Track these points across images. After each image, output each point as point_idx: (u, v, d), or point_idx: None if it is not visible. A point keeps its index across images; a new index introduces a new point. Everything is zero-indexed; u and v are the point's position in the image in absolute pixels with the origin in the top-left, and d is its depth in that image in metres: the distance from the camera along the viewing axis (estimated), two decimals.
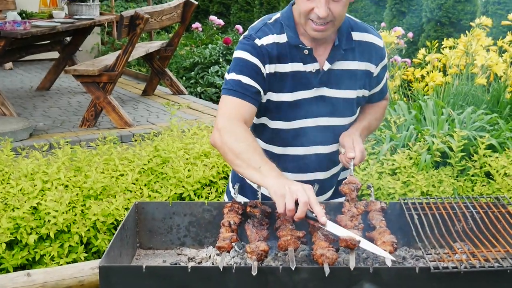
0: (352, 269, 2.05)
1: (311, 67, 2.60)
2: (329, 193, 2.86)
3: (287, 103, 2.61)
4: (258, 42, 2.58)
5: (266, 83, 2.58)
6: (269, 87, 2.59)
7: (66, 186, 4.20)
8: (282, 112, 2.63)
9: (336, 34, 2.61)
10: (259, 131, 2.72)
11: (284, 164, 2.64)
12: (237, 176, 2.88)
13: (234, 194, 2.62)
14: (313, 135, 2.67)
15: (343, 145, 2.66)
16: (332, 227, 2.26)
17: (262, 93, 2.58)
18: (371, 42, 2.70)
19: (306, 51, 2.58)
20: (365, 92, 2.74)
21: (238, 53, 2.60)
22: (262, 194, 2.60)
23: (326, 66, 2.60)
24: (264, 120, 2.68)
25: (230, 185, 2.97)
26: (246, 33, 2.65)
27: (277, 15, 2.66)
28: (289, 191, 2.19)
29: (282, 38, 2.60)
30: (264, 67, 2.57)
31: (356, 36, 2.66)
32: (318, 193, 2.69)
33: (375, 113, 2.88)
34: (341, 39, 2.61)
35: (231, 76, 2.58)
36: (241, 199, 2.81)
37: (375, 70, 2.72)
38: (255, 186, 2.71)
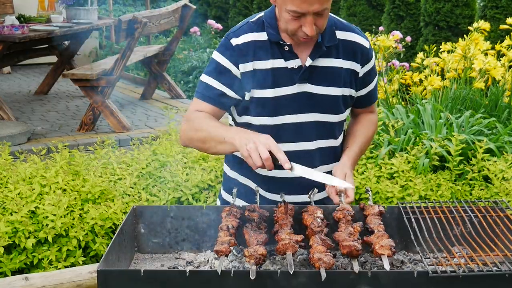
0: (357, 272, 2.06)
1: (292, 64, 2.63)
2: (322, 192, 2.81)
3: (270, 99, 2.64)
4: (234, 41, 2.64)
5: (239, 83, 2.63)
6: (250, 85, 2.63)
7: (64, 190, 4.19)
8: (265, 108, 2.66)
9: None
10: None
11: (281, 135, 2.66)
12: (229, 180, 2.90)
13: (233, 198, 2.62)
14: (296, 131, 2.68)
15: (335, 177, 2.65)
16: (301, 171, 2.42)
17: (229, 94, 2.64)
18: (356, 42, 2.71)
19: (286, 47, 2.62)
20: (352, 92, 2.74)
21: (213, 54, 2.70)
22: (260, 197, 2.60)
23: (308, 62, 2.63)
24: (248, 118, 2.71)
25: (222, 191, 2.98)
26: (228, 31, 2.72)
27: (261, 14, 2.72)
28: (258, 144, 2.38)
29: (263, 36, 2.64)
30: (238, 67, 2.62)
31: (340, 34, 2.69)
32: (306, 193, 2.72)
33: (366, 133, 2.87)
34: (324, 36, 2.64)
35: (201, 77, 2.71)
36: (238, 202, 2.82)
37: (360, 70, 2.73)
38: (253, 187, 2.71)
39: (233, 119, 2.80)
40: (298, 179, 2.58)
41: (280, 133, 2.66)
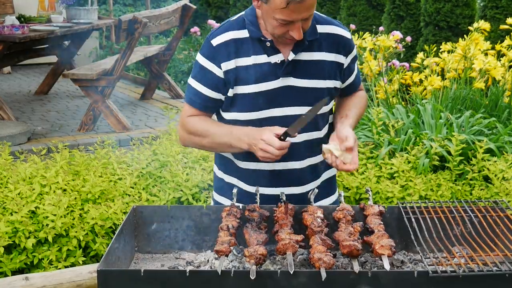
0: (357, 272, 2.06)
1: (275, 59, 2.66)
2: (309, 186, 2.81)
3: (253, 94, 2.67)
4: (214, 42, 2.68)
5: (222, 83, 2.67)
6: (234, 82, 2.66)
7: (65, 190, 4.20)
8: (249, 103, 2.68)
9: None
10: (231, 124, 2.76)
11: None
12: (217, 181, 2.94)
13: (233, 198, 2.62)
14: (282, 125, 2.66)
15: (340, 137, 2.64)
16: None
17: (216, 96, 2.70)
18: (338, 34, 2.74)
19: (268, 43, 2.65)
20: (337, 84, 2.76)
21: (197, 56, 2.75)
22: (260, 197, 2.60)
23: (291, 56, 2.66)
24: (234, 114, 2.72)
25: (214, 192, 2.99)
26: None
27: (242, 13, 2.76)
28: (266, 141, 2.50)
29: (243, 34, 2.67)
30: (220, 67, 2.66)
31: (321, 28, 2.71)
32: (297, 183, 2.77)
33: (359, 103, 2.88)
34: (306, 31, 2.65)
35: (188, 80, 2.78)
36: (224, 201, 2.86)
37: (345, 61, 2.76)
38: (253, 190, 2.72)
39: (218, 115, 2.82)
40: (277, 171, 2.71)
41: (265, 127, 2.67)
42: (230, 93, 2.67)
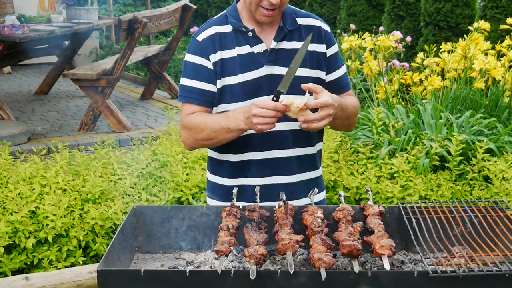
0: (357, 272, 2.06)
1: (258, 48, 2.74)
2: (299, 176, 2.83)
3: (239, 84, 2.73)
4: (199, 38, 2.77)
5: (214, 74, 2.74)
6: (221, 73, 2.73)
7: (65, 190, 4.20)
8: (236, 94, 2.74)
9: (280, 17, 2.78)
10: None
11: (249, 143, 2.74)
12: (208, 183, 2.98)
13: (232, 198, 2.62)
14: None
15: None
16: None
17: (210, 89, 2.74)
18: (316, 25, 2.83)
19: (250, 33, 2.74)
20: (321, 74, 2.81)
21: (186, 56, 2.83)
22: (259, 197, 2.60)
23: (273, 44, 2.74)
24: (223, 106, 2.77)
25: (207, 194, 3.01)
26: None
27: (223, 12, 2.86)
28: (257, 114, 2.49)
29: (226, 28, 2.77)
30: (209, 59, 2.74)
31: (300, 21, 2.81)
32: (286, 172, 2.79)
33: (347, 98, 2.83)
34: (285, 21, 2.77)
35: (181, 81, 2.83)
36: (214, 203, 2.89)
37: (326, 51, 2.82)
38: (221, 182, 2.83)
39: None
40: (268, 156, 2.75)
41: None
42: (219, 84, 2.74)
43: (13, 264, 3.78)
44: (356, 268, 2.08)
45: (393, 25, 9.50)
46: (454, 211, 2.52)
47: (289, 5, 2.85)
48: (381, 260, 2.21)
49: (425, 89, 6.37)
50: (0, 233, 3.76)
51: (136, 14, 8.12)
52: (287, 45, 2.77)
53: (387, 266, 2.11)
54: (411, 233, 2.37)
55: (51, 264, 3.83)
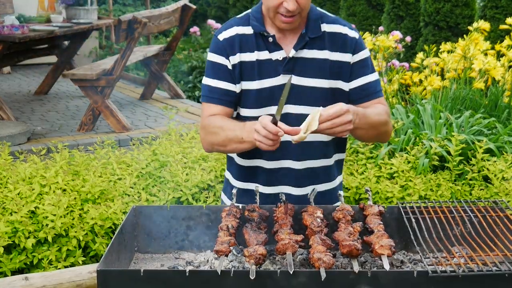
0: (357, 272, 2.06)
1: (277, 55, 2.66)
2: (308, 188, 2.76)
3: (255, 91, 2.68)
4: (220, 37, 2.71)
5: (234, 75, 2.68)
6: (239, 77, 2.68)
7: (64, 190, 4.19)
8: (251, 100, 2.69)
9: (304, 23, 2.67)
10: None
11: (258, 151, 2.63)
12: (225, 182, 2.94)
13: (232, 198, 2.62)
14: (284, 122, 2.65)
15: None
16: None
17: (232, 88, 2.68)
18: (342, 33, 2.70)
19: (270, 39, 2.66)
20: (341, 84, 2.70)
21: (208, 55, 2.77)
22: (260, 197, 2.60)
23: (292, 53, 2.65)
24: (239, 110, 2.74)
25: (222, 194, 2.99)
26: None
27: (248, 11, 2.78)
28: (258, 131, 2.40)
29: (248, 30, 2.69)
30: (228, 60, 2.68)
31: (326, 27, 2.70)
32: (292, 184, 2.74)
33: (373, 108, 2.68)
34: (308, 27, 2.67)
35: (203, 80, 2.77)
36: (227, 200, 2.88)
37: (351, 58, 2.69)
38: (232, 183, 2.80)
39: None
40: (275, 166, 2.70)
41: None
42: (238, 88, 2.68)
43: (12, 264, 3.78)
44: (356, 268, 2.08)
45: (392, 25, 9.50)
46: (454, 211, 2.52)
47: (317, 9, 2.74)
48: (381, 260, 2.21)
49: (424, 89, 6.37)
50: (0, 233, 3.75)
51: (136, 14, 8.12)
52: (307, 53, 2.67)
53: (386, 266, 2.11)
54: (410, 233, 2.37)
55: (51, 264, 3.83)
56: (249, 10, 2.76)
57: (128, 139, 7.26)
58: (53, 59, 10.45)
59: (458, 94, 5.98)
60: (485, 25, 6.39)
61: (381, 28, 8.30)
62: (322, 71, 2.66)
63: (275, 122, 2.39)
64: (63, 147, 4.79)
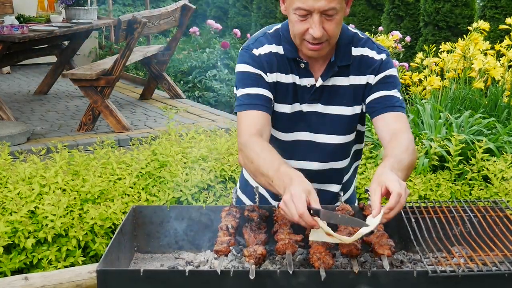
0: (356, 272, 2.06)
1: (306, 82, 2.58)
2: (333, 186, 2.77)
3: (286, 115, 2.62)
4: (256, 52, 2.58)
5: (272, 89, 2.58)
6: (274, 96, 2.59)
7: (64, 190, 4.19)
8: (280, 122, 2.63)
9: (334, 50, 2.57)
10: None
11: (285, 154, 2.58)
12: (245, 181, 2.91)
13: (232, 198, 2.63)
14: (305, 149, 2.65)
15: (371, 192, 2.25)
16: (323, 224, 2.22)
17: (272, 97, 2.57)
18: (369, 56, 2.59)
19: (302, 65, 2.57)
20: (358, 108, 2.64)
21: (239, 67, 2.61)
22: (259, 196, 2.60)
23: (319, 82, 2.58)
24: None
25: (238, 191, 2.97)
26: (245, 44, 2.65)
27: (278, 26, 2.65)
28: (293, 196, 2.15)
29: (281, 50, 2.59)
30: (266, 75, 2.57)
31: (356, 51, 2.59)
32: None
33: (398, 146, 2.43)
34: (338, 55, 2.57)
35: (238, 92, 2.60)
36: (245, 199, 2.89)
37: (373, 80, 2.59)
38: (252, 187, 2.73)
39: None
40: None
41: (289, 150, 2.63)
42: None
43: (12, 264, 3.78)
44: (356, 268, 2.08)
45: (392, 25, 9.51)
46: (454, 211, 2.52)
47: (349, 30, 2.61)
48: (381, 260, 2.21)
49: (424, 89, 6.37)
50: (0, 233, 3.75)
51: (136, 14, 8.12)
52: (334, 81, 2.58)
53: (386, 266, 2.11)
54: (410, 233, 2.37)
55: (51, 264, 3.83)
56: (279, 26, 2.63)
57: (127, 139, 7.26)
58: (52, 59, 10.45)
59: (457, 94, 5.98)
60: (484, 25, 6.40)
61: (380, 28, 8.31)
62: (347, 98, 2.59)
63: (316, 212, 2.18)
64: (63, 147, 4.79)
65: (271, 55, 2.57)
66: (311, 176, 2.57)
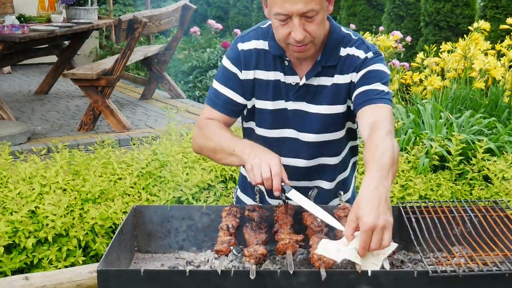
0: (359, 272, 2.05)
1: (291, 79, 2.58)
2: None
3: (268, 111, 2.63)
4: (240, 46, 2.62)
5: (244, 88, 2.62)
6: (252, 93, 2.62)
7: (64, 190, 4.20)
8: (264, 119, 2.65)
9: (321, 50, 2.56)
10: (248, 134, 2.75)
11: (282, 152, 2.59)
12: (244, 179, 2.90)
13: (233, 198, 2.63)
14: (291, 146, 2.64)
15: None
16: (297, 199, 2.34)
17: (239, 100, 2.63)
18: (355, 55, 2.56)
19: (286, 62, 2.58)
20: (350, 105, 2.61)
21: (223, 58, 2.68)
22: (260, 196, 2.60)
23: (303, 81, 2.57)
24: (251, 124, 2.71)
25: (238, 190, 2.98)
26: (240, 33, 2.71)
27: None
28: (263, 161, 2.31)
29: (266, 46, 2.60)
30: (241, 72, 2.61)
31: (343, 52, 2.57)
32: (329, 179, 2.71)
33: (374, 146, 2.29)
34: (324, 55, 2.55)
35: (213, 82, 2.69)
36: (246, 199, 2.89)
37: (355, 77, 2.55)
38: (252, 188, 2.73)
39: (242, 122, 2.79)
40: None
41: (274, 146, 2.59)
42: (249, 104, 2.64)
43: (13, 263, 3.78)
44: (359, 267, 2.07)
45: (393, 25, 9.51)
46: (454, 211, 2.52)
47: (342, 30, 2.59)
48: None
49: (425, 89, 6.37)
50: (0, 232, 3.75)
51: (136, 14, 8.12)
52: (319, 81, 2.57)
53: (387, 266, 2.10)
54: (411, 232, 2.36)
55: (51, 264, 3.83)
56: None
57: (128, 139, 7.26)
58: (53, 59, 10.45)
59: (458, 94, 5.98)
60: (485, 25, 6.40)
61: (381, 28, 8.31)
62: (333, 97, 2.58)
63: (283, 191, 2.32)
64: (63, 146, 4.79)
65: (252, 51, 2.60)
66: (299, 172, 2.64)
